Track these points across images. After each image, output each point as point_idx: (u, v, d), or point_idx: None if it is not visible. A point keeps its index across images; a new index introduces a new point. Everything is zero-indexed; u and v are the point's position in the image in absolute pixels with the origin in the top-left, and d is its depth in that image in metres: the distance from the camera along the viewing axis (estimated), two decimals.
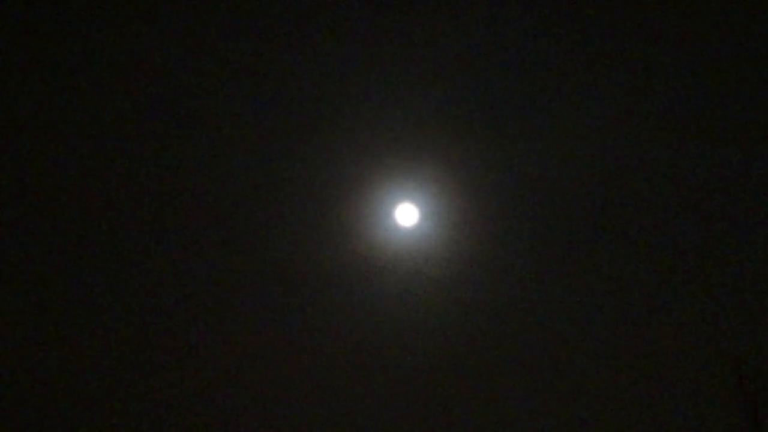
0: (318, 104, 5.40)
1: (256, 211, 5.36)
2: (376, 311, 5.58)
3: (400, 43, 5.29)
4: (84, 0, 4.61)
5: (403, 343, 5.59)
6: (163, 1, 4.75)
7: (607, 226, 5.27)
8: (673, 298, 5.20)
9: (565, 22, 5.11)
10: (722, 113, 5.16)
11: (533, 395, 5.35)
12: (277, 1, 4.90)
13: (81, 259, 4.77)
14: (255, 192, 5.31)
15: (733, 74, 5.07)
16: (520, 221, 5.43)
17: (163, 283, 4.93)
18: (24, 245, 4.65)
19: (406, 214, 5.50)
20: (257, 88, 5.12)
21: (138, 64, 4.84)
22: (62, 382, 4.76)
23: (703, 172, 5.19)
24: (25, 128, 4.69)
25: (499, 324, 5.56)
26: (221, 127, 5.03)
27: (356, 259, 5.47)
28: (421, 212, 5.49)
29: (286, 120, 5.41)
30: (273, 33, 5.02)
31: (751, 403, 4.92)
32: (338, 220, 5.46)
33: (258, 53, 4.98)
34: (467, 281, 5.49)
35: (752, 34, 4.93)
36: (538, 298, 5.49)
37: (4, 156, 4.58)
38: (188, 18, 4.83)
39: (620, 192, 5.27)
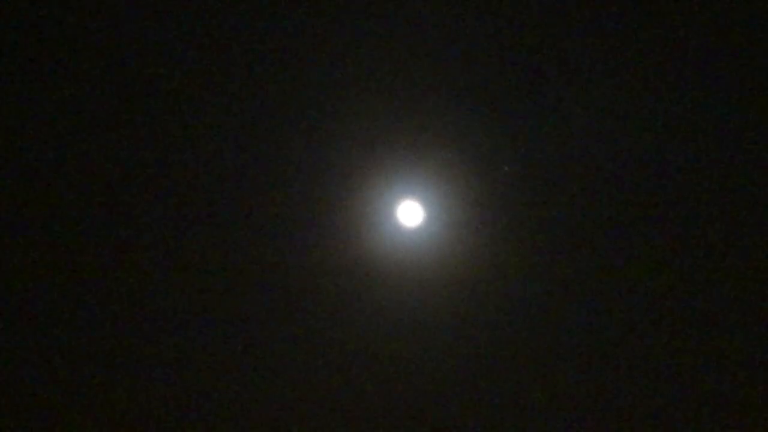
0: (304, 84, 4.94)
1: (232, 208, 5.00)
2: (375, 327, 5.17)
3: (405, 18, 4.88)
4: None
5: (404, 365, 5.20)
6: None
7: (631, 226, 4.97)
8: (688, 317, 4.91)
9: (580, 8, 4.77)
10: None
11: (549, 413, 5.03)
12: None
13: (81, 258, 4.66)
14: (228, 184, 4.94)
15: None
16: (543, 221, 5.02)
17: (155, 282, 4.75)
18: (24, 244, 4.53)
19: (410, 214, 5.09)
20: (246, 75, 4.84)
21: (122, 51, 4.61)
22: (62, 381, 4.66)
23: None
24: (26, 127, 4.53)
25: (519, 343, 5.17)
26: (208, 118, 4.81)
27: (350, 266, 5.05)
28: (427, 211, 5.08)
29: (266, 105, 4.98)
30: (268, 16, 4.74)
31: None
32: (329, 220, 5.04)
33: (252, 38, 4.74)
34: (481, 291, 5.10)
35: None
36: (561, 313, 5.10)
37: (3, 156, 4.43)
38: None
39: (643, 189, 4.97)
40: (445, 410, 5.10)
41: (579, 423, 4.92)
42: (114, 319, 4.72)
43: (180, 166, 4.82)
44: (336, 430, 4.97)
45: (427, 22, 4.80)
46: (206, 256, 4.88)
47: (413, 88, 4.87)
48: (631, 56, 4.83)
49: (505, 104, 4.95)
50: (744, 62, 4.73)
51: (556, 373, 4.97)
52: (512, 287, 5.10)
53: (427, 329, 5.15)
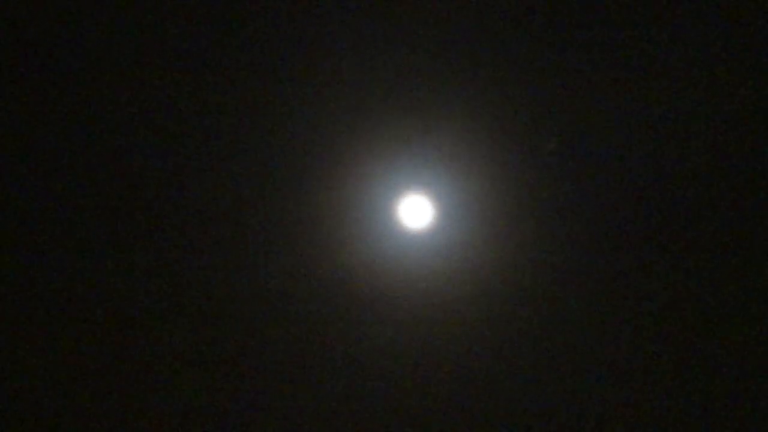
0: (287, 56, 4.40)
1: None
2: (375, 346, 4.61)
3: None
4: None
5: (407, 386, 4.63)
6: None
7: (667, 228, 4.61)
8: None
9: None
10: None
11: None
12: None
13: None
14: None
15: None
16: (580, 223, 4.48)
17: (149, 278, 4.62)
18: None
19: (415, 212, 4.63)
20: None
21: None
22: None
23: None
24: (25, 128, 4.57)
25: (547, 370, 4.61)
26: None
27: (346, 275, 4.56)
28: (436, 208, 4.61)
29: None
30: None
31: None
32: (321, 220, 4.53)
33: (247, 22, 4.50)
34: (502, 306, 4.54)
35: None
36: (589, 327, 4.61)
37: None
38: None
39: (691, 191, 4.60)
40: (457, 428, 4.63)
41: (599, 425, 4.47)
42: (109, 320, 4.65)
43: (161, 153, 4.59)
44: None
45: None
46: (190, 253, 4.64)
47: (416, 54, 4.27)
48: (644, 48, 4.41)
49: (537, 67, 4.37)
50: None
51: (583, 391, 4.63)
52: (540, 301, 4.60)
53: (434, 353, 4.63)
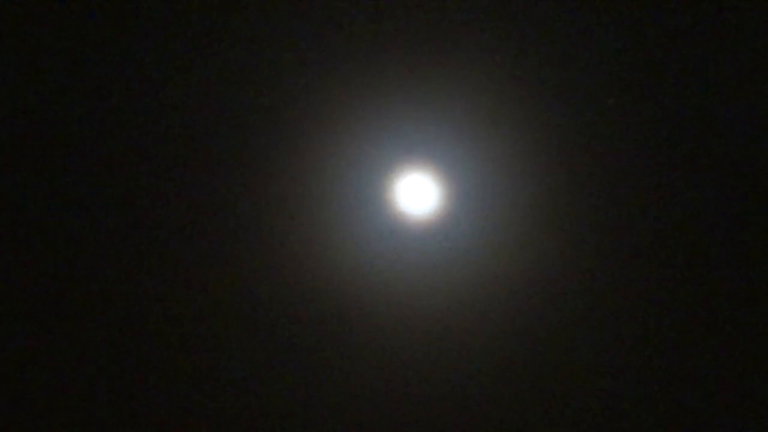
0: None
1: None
2: (371, 348, 4.29)
3: None
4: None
5: (405, 373, 4.31)
6: None
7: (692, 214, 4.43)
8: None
9: None
10: None
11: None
12: None
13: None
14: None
15: None
16: (573, 202, 4.17)
17: (137, 272, 4.50)
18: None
19: (415, 194, 4.32)
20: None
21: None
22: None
23: None
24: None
25: (562, 369, 4.30)
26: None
27: (338, 266, 4.26)
28: (439, 191, 4.29)
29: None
30: None
31: None
32: (309, 204, 4.23)
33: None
34: (513, 300, 4.22)
35: None
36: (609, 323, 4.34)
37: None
38: None
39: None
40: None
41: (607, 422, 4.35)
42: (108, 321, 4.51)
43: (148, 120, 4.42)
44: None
45: None
46: (182, 237, 4.47)
47: (418, 34, 3.91)
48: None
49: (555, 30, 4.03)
50: None
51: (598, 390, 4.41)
52: (554, 294, 4.31)
53: (433, 334, 4.32)
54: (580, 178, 4.14)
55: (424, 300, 4.30)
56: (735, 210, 4.29)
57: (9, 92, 4.40)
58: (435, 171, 4.28)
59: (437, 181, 4.29)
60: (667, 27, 4.15)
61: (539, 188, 4.17)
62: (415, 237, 4.28)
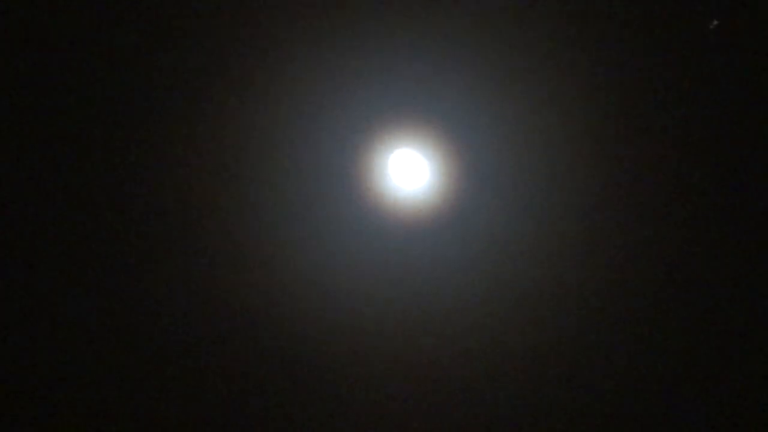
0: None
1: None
2: (361, 323, 4.35)
3: None
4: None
5: (404, 370, 4.40)
6: None
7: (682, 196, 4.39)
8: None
9: None
10: None
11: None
12: None
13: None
14: None
15: None
16: (565, 177, 4.19)
17: (131, 266, 4.48)
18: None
19: (407, 168, 4.29)
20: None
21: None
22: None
23: None
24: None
25: (553, 343, 4.38)
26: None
27: (328, 243, 4.28)
28: (431, 165, 4.26)
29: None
30: None
31: None
32: (298, 179, 4.22)
33: None
34: (505, 276, 4.27)
35: None
36: (609, 304, 4.39)
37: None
38: None
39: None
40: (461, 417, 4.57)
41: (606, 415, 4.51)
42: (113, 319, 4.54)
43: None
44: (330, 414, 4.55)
45: None
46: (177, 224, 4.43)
47: (411, 14, 3.86)
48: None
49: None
50: None
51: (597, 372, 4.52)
52: (546, 270, 4.34)
53: (430, 326, 4.38)
54: (575, 158, 4.14)
55: (412, 261, 4.34)
56: (737, 210, 4.32)
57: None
58: (427, 147, 4.27)
59: (430, 155, 4.28)
60: (668, 27, 4.11)
61: (521, 165, 4.18)
62: (406, 213, 4.29)
